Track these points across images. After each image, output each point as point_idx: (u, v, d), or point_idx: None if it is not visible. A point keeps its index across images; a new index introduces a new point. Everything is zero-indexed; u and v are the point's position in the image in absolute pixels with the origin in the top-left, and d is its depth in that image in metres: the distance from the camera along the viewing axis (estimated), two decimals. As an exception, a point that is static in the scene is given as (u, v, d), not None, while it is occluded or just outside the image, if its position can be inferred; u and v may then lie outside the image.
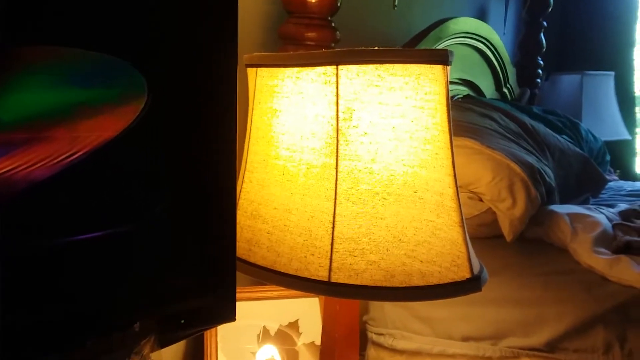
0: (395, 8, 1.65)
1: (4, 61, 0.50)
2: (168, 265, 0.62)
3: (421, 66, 0.68)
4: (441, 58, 0.69)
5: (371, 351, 1.13)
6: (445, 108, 0.70)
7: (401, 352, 1.08)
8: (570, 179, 1.48)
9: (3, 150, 0.50)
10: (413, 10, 1.82)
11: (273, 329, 1.09)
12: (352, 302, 0.82)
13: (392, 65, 0.68)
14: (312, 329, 1.10)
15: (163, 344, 0.59)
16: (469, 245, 0.70)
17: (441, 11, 1.93)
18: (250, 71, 0.78)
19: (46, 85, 0.53)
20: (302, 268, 0.68)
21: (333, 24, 1.13)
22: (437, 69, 0.69)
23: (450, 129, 0.70)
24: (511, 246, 1.17)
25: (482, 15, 2.32)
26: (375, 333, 1.12)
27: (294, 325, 1.10)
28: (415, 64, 0.68)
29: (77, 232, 0.54)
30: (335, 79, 0.68)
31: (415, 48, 1.55)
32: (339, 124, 0.68)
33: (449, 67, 0.70)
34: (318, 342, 1.09)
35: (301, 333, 1.10)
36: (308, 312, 1.11)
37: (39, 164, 0.52)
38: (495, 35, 2.10)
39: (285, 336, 1.11)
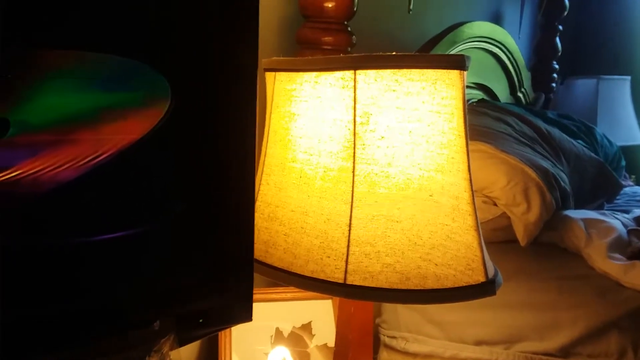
0: (411, 12, 1.66)
1: (30, 65, 0.52)
2: (187, 265, 0.64)
3: (438, 71, 0.69)
4: (458, 63, 0.69)
5: (383, 354, 1.13)
6: (461, 113, 0.70)
7: (414, 355, 1.08)
8: (585, 184, 1.47)
9: (31, 152, 0.52)
10: (428, 15, 1.83)
11: (286, 330, 1.10)
12: (366, 304, 0.82)
13: (409, 70, 0.68)
14: (325, 331, 1.10)
15: (182, 342, 0.61)
16: (484, 249, 0.71)
17: (456, 15, 1.93)
18: (269, 75, 0.80)
19: (72, 89, 0.54)
20: (319, 270, 0.69)
21: (349, 29, 1.14)
22: (454, 74, 0.70)
23: (466, 134, 0.71)
24: (525, 251, 1.17)
25: (497, 19, 2.32)
26: (387, 336, 1.13)
27: (307, 327, 1.11)
28: (432, 69, 0.69)
29: (100, 232, 0.55)
30: (353, 84, 0.69)
31: (431, 53, 1.55)
32: (356, 128, 0.69)
33: (465, 72, 0.71)
34: (331, 344, 1.10)
35: (314, 335, 1.11)
36: (321, 314, 1.11)
37: (65, 166, 0.53)
38: (510, 39, 2.10)
39: (297, 338, 1.11)
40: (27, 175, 0.52)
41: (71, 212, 0.55)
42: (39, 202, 0.53)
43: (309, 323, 1.11)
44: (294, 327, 1.10)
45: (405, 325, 1.10)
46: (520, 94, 2.24)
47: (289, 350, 1.10)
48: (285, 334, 1.10)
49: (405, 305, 1.11)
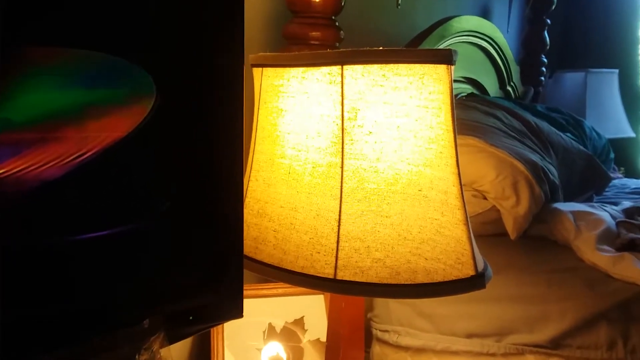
0: (399, 7, 1.65)
1: (12, 62, 0.51)
2: (176, 263, 0.63)
3: (425, 66, 0.69)
4: (445, 58, 0.69)
5: (376, 348, 1.14)
6: (449, 107, 0.70)
7: (406, 348, 1.09)
8: (574, 176, 1.48)
9: (14, 151, 0.51)
10: (416, 9, 1.83)
11: (279, 326, 1.10)
12: (357, 299, 0.82)
13: (396, 65, 0.68)
14: (317, 326, 1.11)
15: (172, 340, 0.60)
16: (473, 243, 0.71)
17: (444, 9, 1.94)
18: (256, 71, 0.79)
19: (55, 86, 0.53)
20: (308, 266, 0.69)
21: (337, 24, 1.13)
22: (441, 68, 0.69)
23: (454, 128, 0.71)
24: (515, 244, 1.17)
25: (485, 13, 2.33)
26: (379, 330, 1.13)
27: (299, 322, 1.11)
28: (419, 64, 0.69)
29: (86, 230, 0.55)
30: (340, 79, 0.69)
31: (419, 47, 1.55)
32: (344, 124, 0.69)
33: (453, 67, 0.71)
34: (323, 338, 1.10)
35: (306, 330, 1.11)
36: (313, 309, 1.11)
37: (49, 164, 0.53)
38: (499, 33, 2.10)
39: (290, 333, 1.11)
40: (10, 174, 0.51)
41: (56, 211, 0.54)
42: (23, 201, 0.52)
43: (302, 318, 1.11)
44: (286, 322, 1.10)
45: (397, 319, 1.10)
46: (509, 88, 2.25)
47: (282, 346, 1.10)
48: (278, 329, 1.10)
49: (396, 300, 1.11)
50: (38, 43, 0.52)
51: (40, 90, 0.52)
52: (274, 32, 1.19)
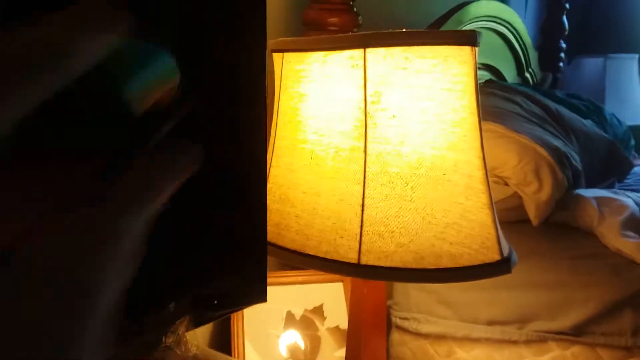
0: (416, -8, 1.63)
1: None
2: (201, 246, 0.63)
3: (449, 48, 0.68)
4: (469, 39, 0.68)
5: (395, 335, 1.13)
6: (473, 90, 0.69)
7: (425, 335, 1.08)
8: (595, 163, 1.46)
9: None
10: (434, -6, 1.80)
11: (298, 313, 1.11)
12: (378, 285, 0.82)
13: (419, 47, 0.67)
14: (336, 313, 1.11)
15: (197, 324, 0.61)
16: (498, 228, 0.70)
17: (462, -6, 1.91)
18: (277, 56, 0.78)
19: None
20: (332, 250, 0.69)
21: (355, 9, 1.12)
22: (466, 50, 0.68)
23: (479, 111, 0.70)
24: (537, 230, 1.16)
25: (503, -2, 2.29)
26: (399, 317, 1.13)
27: (318, 309, 1.11)
28: (443, 46, 0.68)
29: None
30: (362, 62, 0.68)
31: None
32: (367, 107, 0.68)
33: (477, 49, 0.70)
34: (342, 326, 1.10)
35: (326, 317, 1.11)
36: (332, 297, 1.11)
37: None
38: (518, 18, 2.07)
39: (309, 321, 1.12)
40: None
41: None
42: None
43: (321, 306, 1.11)
44: (305, 310, 1.11)
45: (416, 306, 1.09)
46: (527, 74, 2.22)
47: (300, 334, 1.10)
48: (297, 317, 1.10)
49: (416, 287, 1.11)
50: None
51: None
52: (292, 18, 1.18)
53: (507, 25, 2.00)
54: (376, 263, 0.67)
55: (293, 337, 1.11)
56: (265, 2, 0.65)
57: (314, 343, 1.12)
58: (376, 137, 0.68)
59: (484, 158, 0.70)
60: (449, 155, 0.68)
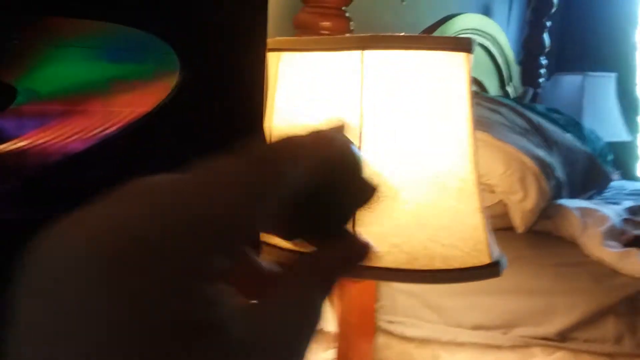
0: (404, 3, 1.66)
1: (39, 32, 0.51)
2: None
3: (446, 53, 0.69)
4: (465, 46, 0.70)
5: (381, 338, 1.13)
6: (468, 96, 0.70)
7: (411, 339, 1.08)
8: (576, 175, 1.49)
9: (39, 122, 0.50)
10: (420, 6, 1.83)
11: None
12: (368, 287, 0.82)
13: (417, 51, 0.68)
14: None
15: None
16: (489, 232, 0.71)
17: (447, 7, 1.94)
18: (272, 56, 0.79)
19: (81, 58, 0.53)
20: (325, 250, 0.69)
21: (347, 15, 1.13)
22: (461, 56, 0.70)
23: (472, 117, 0.71)
24: (521, 238, 1.18)
25: (486, 13, 2.34)
26: (385, 321, 1.13)
27: (304, 313, 1.11)
28: (440, 51, 0.69)
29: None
30: (360, 64, 0.69)
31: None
32: (363, 109, 0.69)
33: (472, 55, 0.71)
34: (327, 328, 1.10)
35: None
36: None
37: (73, 137, 0.52)
38: (502, 33, 2.11)
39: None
40: (34, 145, 0.50)
41: (78, 184, 0.53)
42: (46, 174, 0.51)
43: (306, 310, 1.10)
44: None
45: (402, 310, 1.10)
46: (509, 88, 2.26)
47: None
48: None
49: (403, 290, 1.11)
50: (64, 14, 0.51)
51: (66, 62, 0.51)
52: (284, 21, 1.19)
53: (491, 39, 2.04)
54: (369, 263, 0.67)
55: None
56: (267, 3, 0.66)
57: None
58: (371, 139, 0.68)
59: (476, 163, 0.71)
60: (442, 158, 0.69)
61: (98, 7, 0.53)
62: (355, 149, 0.24)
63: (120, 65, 0.55)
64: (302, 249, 0.24)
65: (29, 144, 0.49)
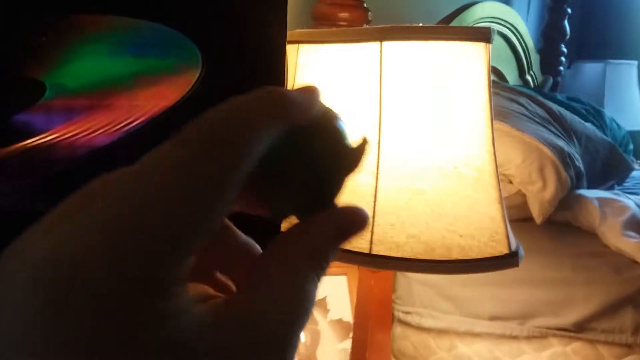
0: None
1: (66, 29, 0.52)
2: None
3: (465, 43, 0.69)
4: (484, 36, 0.70)
5: (397, 329, 1.15)
6: (486, 86, 0.70)
7: (428, 330, 1.09)
8: (596, 165, 1.48)
9: (67, 116, 0.52)
10: (439, -6, 1.82)
11: (301, 305, 1.11)
12: (386, 277, 0.83)
13: (435, 41, 0.68)
14: (339, 306, 1.11)
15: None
16: (507, 222, 0.71)
17: (466, -5, 1.92)
18: (291, 48, 0.79)
19: (106, 54, 0.54)
20: (344, 240, 0.70)
21: (365, 5, 1.13)
22: (480, 46, 0.70)
23: (491, 107, 0.71)
24: (539, 229, 1.17)
25: (505, 1, 2.31)
26: (402, 311, 1.14)
27: (321, 302, 1.12)
28: (459, 41, 0.69)
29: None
30: (379, 55, 0.69)
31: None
32: (382, 100, 0.69)
33: (490, 45, 0.71)
34: (345, 319, 1.11)
35: (329, 310, 1.12)
36: (336, 289, 1.12)
37: (100, 131, 0.53)
38: (520, 20, 2.09)
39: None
40: (63, 139, 0.52)
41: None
42: (74, 167, 0.53)
43: (324, 298, 1.12)
44: (309, 302, 1.11)
45: (419, 300, 1.11)
46: (528, 77, 2.24)
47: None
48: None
49: (419, 281, 1.12)
50: (90, 11, 0.53)
51: (93, 57, 0.53)
52: (302, 12, 1.19)
53: (510, 27, 2.02)
54: (387, 253, 0.68)
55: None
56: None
57: (314, 337, 1.12)
58: (390, 129, 0.69)
59: (494, 153, 0.71)
60: (460, 148, 0.69)
61: (122, 4, 0.54)
62: (329, 109, 0.22)
63: (144, 60, 0.56)
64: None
65: (57, 137, 0.51)
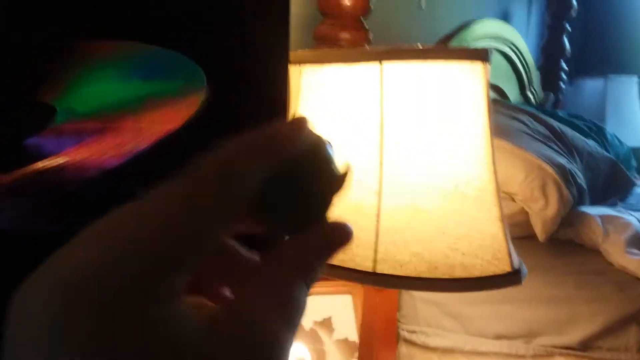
0: (422, 9, 1.67)
1: (75, 55, 0.53)
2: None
3: (463, 63, 0.70)
4: (482, 56, 0.71)
5: (403, 348, 1.14)
6: (485, 105, 0.72)
7: (433, 349, 1.09)
8: (598, 182, 1.48)
9: (77, 139, 0.53)
10: (438, 13, 1.84)
11: (306, 325, 1.11)
12: (391, 295, 0.83)
13: (434, 61, 0.70)
14: (344, 325, 1.11)
15: None
16: (509, 240, 0.71)
17: (466, 13, 1.95)
18: (294, 69, 0.81)
19: (113, 78, 0.55)
20: (348, 259, 0.70)
21: (366, 26, 1.15)
22: (479, 66, 0.71)
23: (490, 126, 0.72)
24: (542, 247, 1.18)
25: (505, 18, 2.33)
26: (407, 330, 1.13)
27: (327, 321, 1.12)
28: (457, 61, 0.70)
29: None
30: (379, 76, 0.71)
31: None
32: (383, 119, 0.70)
33: (489, 65, 0.72)
34: (351, 338, 1.11)
35: (334, 329, 1.12)
36: (341, 309, 1.12)
37: (109, 153, 0.54)
38: (520, 38, 2.11)
39: (315, 335, 1.12)
40: (73, 161, 0.53)
41: (114, 198, 0.56)
42: (84, 188, 0.54)
43: (329, 318, 1.12)
44: (314, 321, 1.11)
45: (424, 319, 1.10)
46: (529, 94, 2.25)
47: (307, 347, 1.11)
48: (306, 328, 1.11)
49: (424, 300, 1.12)
50: (99, 37, 0.54)
51: (101, 81, 0.54)
52: (305, 33, 1.21)
53: (510, 44, 2.04)
54: (391, 272, 0.69)
55: (300, 352, 1.11)
56: (289, 13, 0.68)
57: (320, 356, 1.12)
58: (392, 148, 0.70)
59: (495, 172, 0.72)
60: (462, 168, 0.70)
61: (129, 29, 0.55)
62: (317, 137, 0.25)
63: (151, 83, 0.57)
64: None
65: (67, 160, 0.52)
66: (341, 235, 0.24)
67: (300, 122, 0.24)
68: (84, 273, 0.18)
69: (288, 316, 0.21)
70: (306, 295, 0.22)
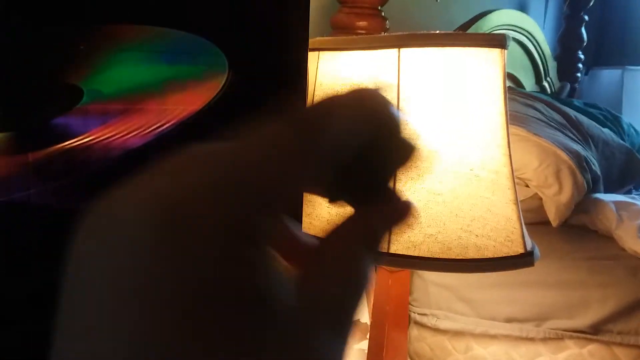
0: (438, 0, 1.67)
1: (102, 38, 0.55)
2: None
3: (481, 49, 0.71)
4: (499, 42, 0.72)
5: (414, 330, 1.16)
6: (502, 91, 0.72)
7: (444, 332, 1.11)
8: (613, 170, 1.48)
9: (102, 120, 0.55)
10: (455, 3, 1.84)
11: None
12: (403, 277, 0.85)
13: (452, 48, 0.71)
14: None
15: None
16: (523, 223, 0.73)
17: (482, 3, 1.94)
18: (312, 56, 0.82)
19: (139, 61, 0.57)
20: (363, 240, 0.72)
21: (383, 14, 1.16)
22: (496, 52, 0.72)
23: (506, 111, 0.73)
24: (556, 232, 1.18)
25: (522, 8, 2.32)
26: (418, 313, 1.15)
27: (340, 304, 1.14)
28: (475, 47, 0.71)
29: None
30: (397, 62, 0.72)
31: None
32: (400, 104, 0.72)
33: (506, 51, 0.73)
34: (363, 319, 1.13)
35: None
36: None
37: (132, 133, 0.57)
38: (538, 28, 2.10)
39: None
40: (99, 141, 0.55)
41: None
42: (109, 167, 0.56)
43: (342, 300, 1.14)
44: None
45: (435, 302, 1.12)
46: (545, 83, 2.24)
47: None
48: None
49: (435, 283, 1.13)
50: (124, 21, 0.56)
51: (127, 64, 0.56)
52: (322, 21, 1.22)
53: (527, 34, 2.03)
54: (405, 252, 0.70)
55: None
56: (308, 5, 0.69)
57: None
58: (407, 133, 0.71)
59: (510, 156, 0.73)
60: (477, 151, 0.71)
61: (155, 14, 0.57)
62: (393, 108, 0.23)
63: (175, 66, 0.59)
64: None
65: (93, 140, 0.54)
66: (405, 210, 0.24)
67: (383, 85, 0.24)
68: (195, 196, 0.17)
69: (355, 290, 0.20)
70: (371, 265, 0.21)
